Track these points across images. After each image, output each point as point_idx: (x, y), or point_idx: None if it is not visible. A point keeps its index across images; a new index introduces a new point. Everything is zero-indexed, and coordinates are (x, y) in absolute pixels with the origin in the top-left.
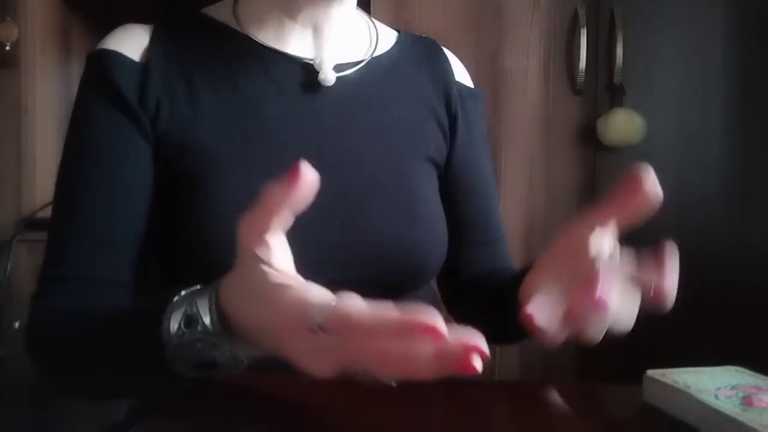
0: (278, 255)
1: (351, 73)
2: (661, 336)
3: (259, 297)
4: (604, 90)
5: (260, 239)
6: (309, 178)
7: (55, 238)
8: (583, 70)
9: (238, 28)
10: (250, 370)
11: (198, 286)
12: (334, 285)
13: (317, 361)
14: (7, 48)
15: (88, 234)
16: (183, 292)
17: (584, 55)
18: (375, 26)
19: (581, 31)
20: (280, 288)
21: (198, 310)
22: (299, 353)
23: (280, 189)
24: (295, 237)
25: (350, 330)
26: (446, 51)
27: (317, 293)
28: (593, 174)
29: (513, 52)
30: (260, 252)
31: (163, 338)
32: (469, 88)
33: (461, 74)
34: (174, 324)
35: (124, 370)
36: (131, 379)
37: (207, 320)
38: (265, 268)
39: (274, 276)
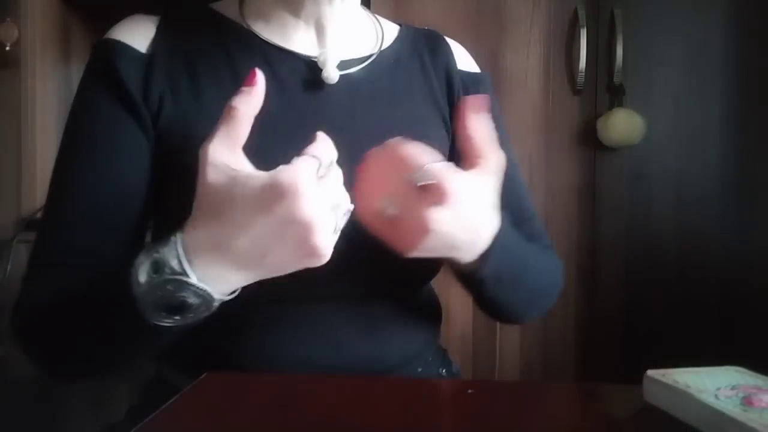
0: (248, 165)
1: (354, 71)
2: (661, 336)
3: (246, 197)
4: (604, 90)
5: (233, 152)
6: (262, 80)
7: (47, 223)
8: (583, 70)
9: (243, 24)
10: (251, 371)
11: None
12: (335, 284)
13: (329, 217)
14: (7, 48)
15: (80, 222)
16: (151, 244)
17: (584, 55)
18: (379, 22)
19: (581, 31)
20: (266, 174)
21: (164, 255)
22: (315, 214)
23: (242, 98)
24: None
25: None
26: (449, 40)
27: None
28: (593, 174)
29: (513, 52)
30: (234, 162)
31: (134, 288)
32: (473, 73)
33: (464, 61)
34: (143, 273)
35: (103, 333)
36: (113, 343)
37: (173, 262)
38: (242, 172)
39: (254, 173)
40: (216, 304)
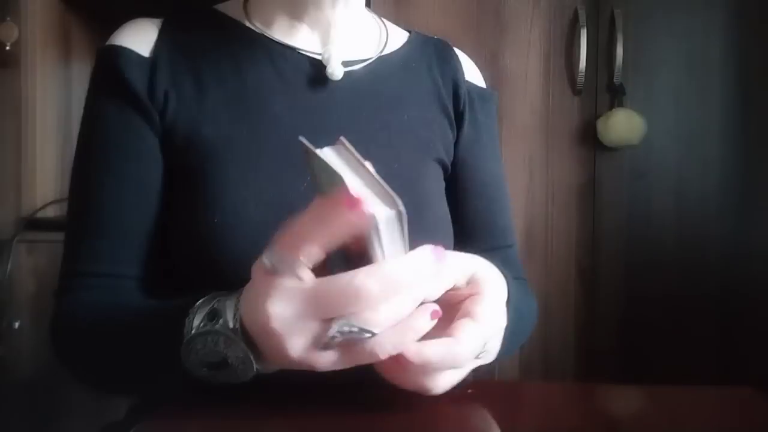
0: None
1: (359, 69)
2: (661, 336)
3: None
4: (604, 90)
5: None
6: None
7: (74, 236)
8: (583, 70)
9: (247, 23)
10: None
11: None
12: None
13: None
14: (7, 48)
15: (105, 231)
16: (214, 293)
17: (584, 55)
18: (385, 26)
19: (581, 31)
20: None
21: (224, 308)
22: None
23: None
24: None
25: None
26: (458, 51)
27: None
28: (593, 174)
29: (513, 52)
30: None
31: (185, 328)
32: (480, 87)
33: (472, 74)
34: (198, 318)
35: (141, 360)
36: (144, 372)
37: (229, 317)
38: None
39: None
40: (252, 373)
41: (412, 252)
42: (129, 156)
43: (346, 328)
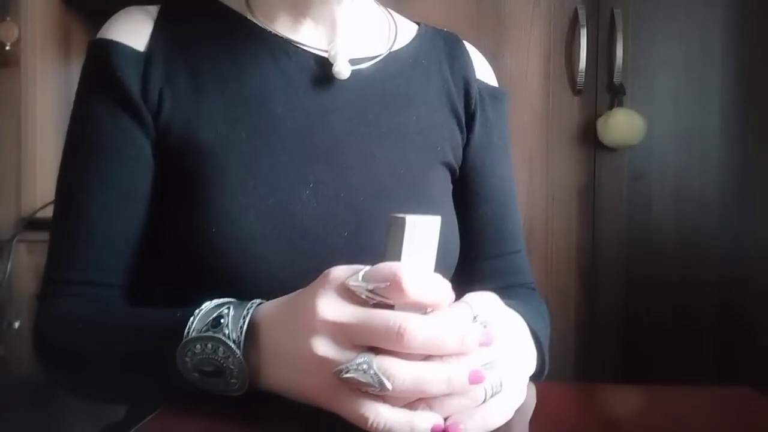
0: None
1: (367, 68)
2: (661, 336)
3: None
4: (604, 90)
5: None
6: None
7: (58, 240)
8: (583, 70)
9: (249, 16)
10: None
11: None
12: None
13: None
14: (7, 48)
15: (91, 237)
16: (223, 300)
17: (584, 55)
18: (394, 19)
19: (581, 31)
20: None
21: (228, 316)
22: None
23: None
24: (300, 246)
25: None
26: (468, 46)
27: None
28: (593, 174)
29: (513, 52)
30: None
31: (186, 329)
32: (492, 86)
33: (483, 71)
34: (201, 322)
35: (131, 364)
36: (134, 380)
37: (232, 326)
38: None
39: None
40: (245, 388)
41: (468, 327)
42: (118, 160)
43: (364, 366)
